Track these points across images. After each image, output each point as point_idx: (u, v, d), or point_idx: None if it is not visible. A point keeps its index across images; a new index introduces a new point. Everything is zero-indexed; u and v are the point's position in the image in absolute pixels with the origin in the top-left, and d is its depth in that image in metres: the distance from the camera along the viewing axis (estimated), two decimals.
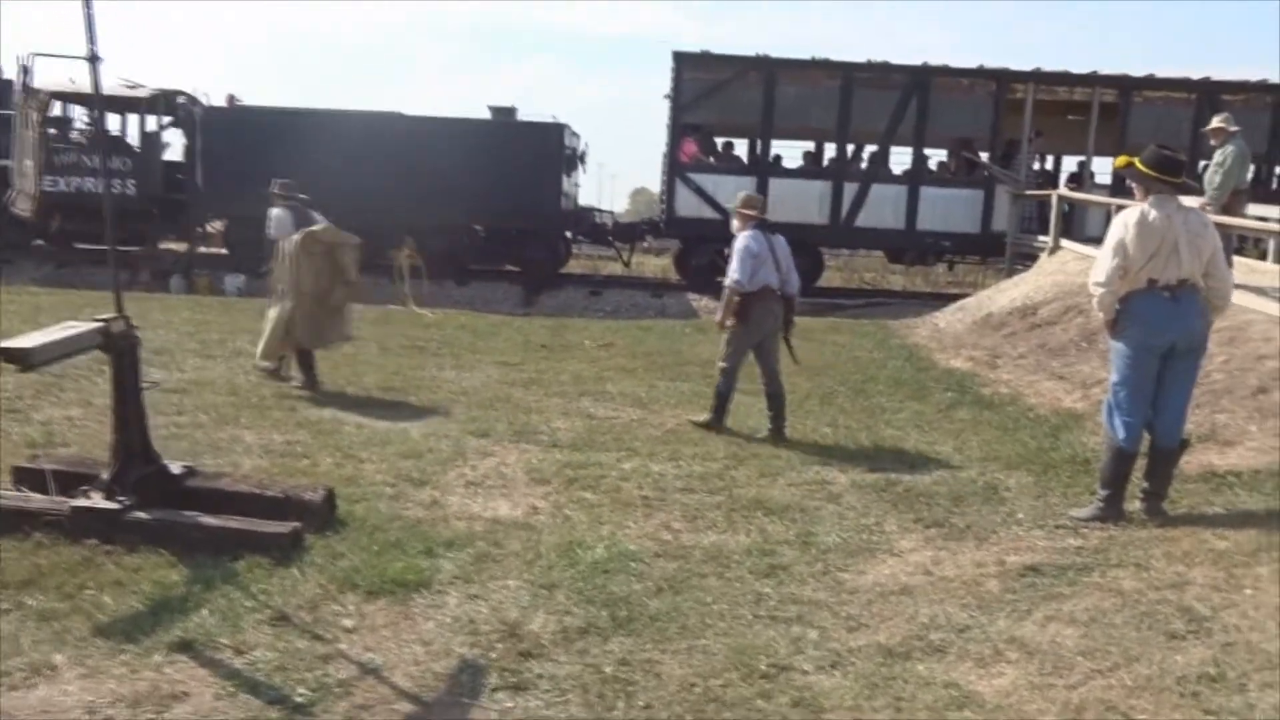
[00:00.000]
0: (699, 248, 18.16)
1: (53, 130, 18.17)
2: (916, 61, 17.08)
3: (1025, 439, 6.95)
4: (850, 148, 17.83)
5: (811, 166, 18.00)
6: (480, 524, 4.93)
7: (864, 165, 17.77)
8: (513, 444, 6.63)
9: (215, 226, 19.79)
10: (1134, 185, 5.23)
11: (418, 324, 12.99)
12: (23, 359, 3.94)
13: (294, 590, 3.94)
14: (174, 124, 19.03)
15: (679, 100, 17.09)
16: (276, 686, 3.18)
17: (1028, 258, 15.38)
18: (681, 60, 17.00)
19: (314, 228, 8.57)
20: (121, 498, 4.44)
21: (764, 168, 17.42)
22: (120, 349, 4.48)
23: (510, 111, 18.49)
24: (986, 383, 9.19)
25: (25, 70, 14.31)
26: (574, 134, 18.72)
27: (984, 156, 17.59)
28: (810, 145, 19.06)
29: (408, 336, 11.54)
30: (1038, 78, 17.23)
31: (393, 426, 6.94)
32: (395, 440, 6.53)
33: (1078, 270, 12.03)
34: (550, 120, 17.87)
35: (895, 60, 17.28)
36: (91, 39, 4.23)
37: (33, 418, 6.63)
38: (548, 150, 17.56)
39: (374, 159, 17.63)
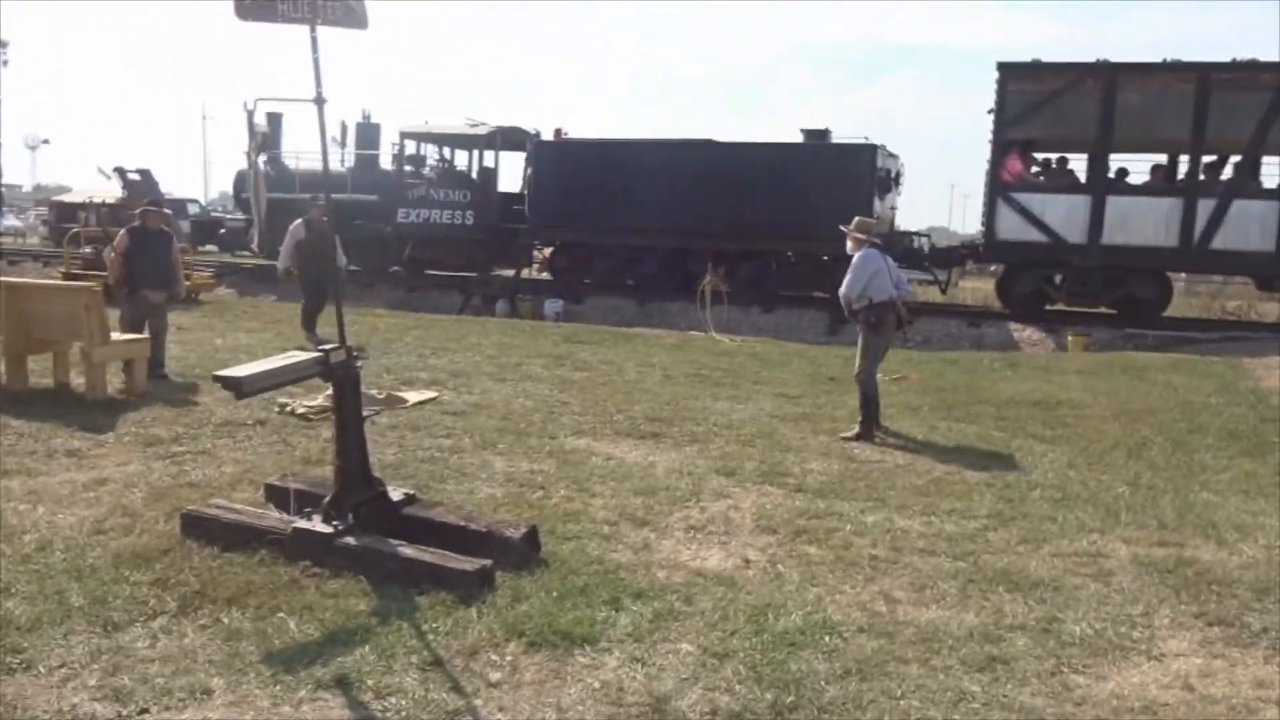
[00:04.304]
0: (1024, 273, 16.71)
1: (407, 167, 20.25)
2: None
3: None
4: (1208, 159, 15.62)
5: (1160, 182, 15.95)
6: (681, 575, 4.64)
7: (1225, 179, 15.49)
8: (755, 486, 6.28)
9: (545, 253, 21.05)
10: None
11: (713, 351, 12.94)
12: (235, 387, 4.20)
13: (462, 632, 3.86)
14: (529, 159, 20.25)
15: (1003, 115, 15.82)
16: None
17: None
18: (1006, 71, 15.75)
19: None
20: (336, 522, 4.62)
21: (1101, 184, 15.67)
22: (340, 378, 4.67)
23: (824, 134, 18.09)
24: None
25: (250, 114, 15.66)
26: (890, 155, 17.95)
27: None
28: (1159, 158, 16.89)
29: (696, 364, 11.50)
30: None
31: (640, 460, 6.83)
32: (636, 475, 6.40)
33: None
34: (862, 141, 17.27)
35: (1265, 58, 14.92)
36: (319, 82, 4.46)
37: (321, 434, 7.19)
38: (859, 172, 16.96)
39: (687, 186, 17.96)
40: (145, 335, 8.87)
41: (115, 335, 8.32)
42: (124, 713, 3.19)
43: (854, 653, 3.81)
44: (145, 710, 3.21)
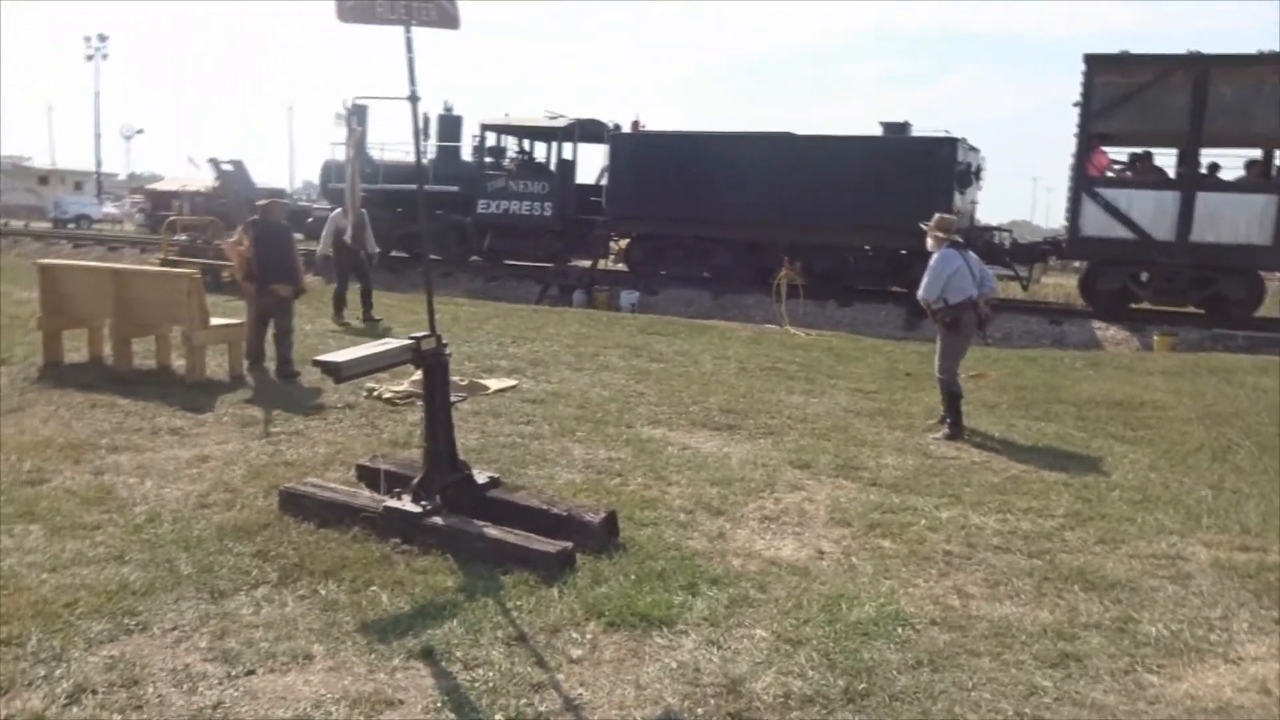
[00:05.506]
0: (1108, 270, 16.37)
1: (487, 159, 20.58)
2: None
3: None
4: None
5: (1254, 179, 15.48)
6: (755, 563, 4.74)
7: None
8: (830, 479, 6.35)
9: (621, 244, 21.22)
10: None
11: (788, 344, 12.97)
12: (335, 372, 4.42)
13: (544, 610, 4.02)
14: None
15: (1089, 108, 15.51)
16: (480, 709, 3.25)
17: None
18: (1094, 64, 15.42)
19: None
20: (425, 502, 4.82)
21: (1191, 180, 15.27)
22: (430, 365, 4.86)
23: (904, 127, 17.92)
24: None
25: (350, 113, 16.22)
26: (970, 148, 17.72)
27: None
28: (1253, 154, 16.37)
29: (771, 357, 11.56)
30: None
31: (716, 451, 6.94)
32: (711, 465, 6.51)
33: None
34: (943, 135, 17.07)
35: None
36: (412, 80, 4.65)
37: (407, 418, 7.44)
38: (939, 166, 16.78)
39: (765, 179, 17.96)
40: (241, 322, 9.18)
41: (215, 320, 8.68)
42: (233, 673, 3.41)
43: (926, 644, 3.88)
44: (252, 671, 3.43)
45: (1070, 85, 15.75)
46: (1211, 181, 15.44)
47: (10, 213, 41.71)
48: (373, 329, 12.52)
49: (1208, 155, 15.63)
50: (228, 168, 29.34)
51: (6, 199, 44.96)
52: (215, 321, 8.69)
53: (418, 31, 4.69)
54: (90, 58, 57.78)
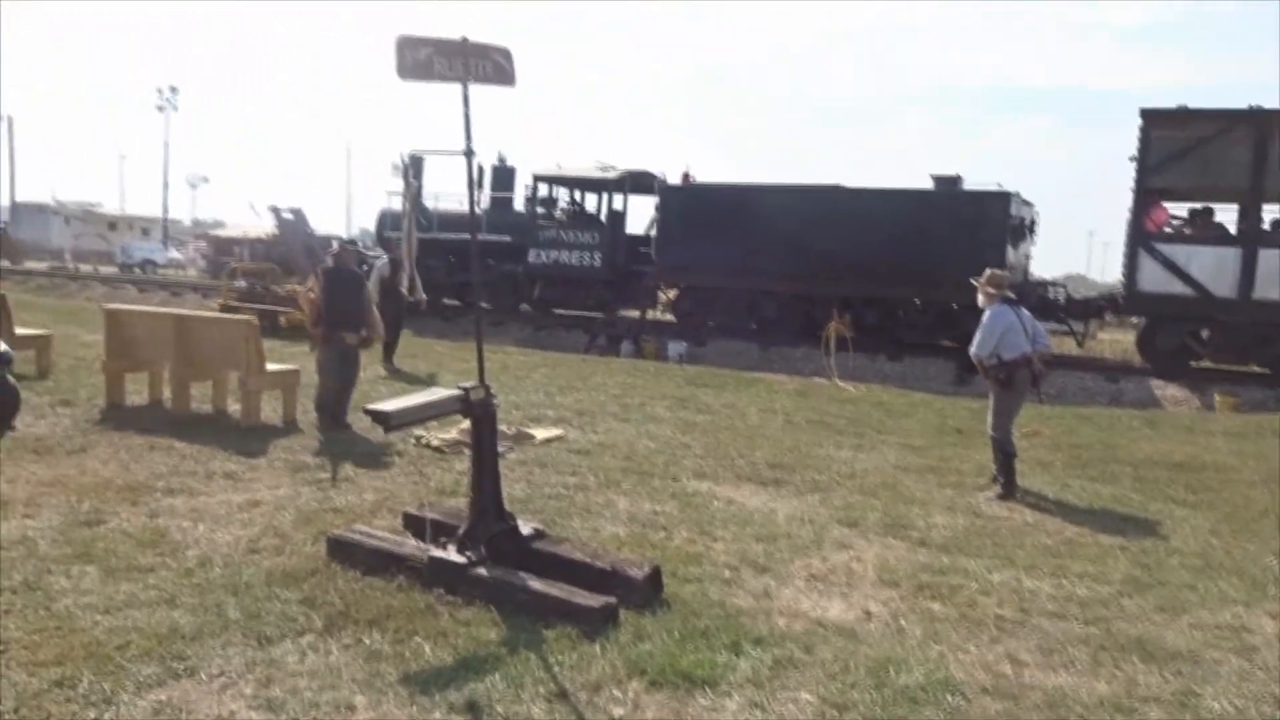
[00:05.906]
0: (1167, 327, 16.06)
1: (539, 209, 20.87)
2: None
3: None
4: None
5: None
6: (801, 623, 4.67)
7: None
8: (878, 537, 6.25)
9: (669, 295, 21.29)
10: None
11: (836, 398, 12.88)
12: (384, 421, 4.47)
13: (586, 667, 3.99)
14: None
15: (1145, 162, 15.36)
16: None
17: None
18: (1150, 118, 15.29)
19: None
20: (470, 553, 4.83)
21: (1254, 236, 15.00)
22: (478, 415, 4.90)
23: (955, 181, 17.86)
24: None
25: (406, 167, 16.79)
26: (1024, 203, 17.59)
27: None
28: None
29: (818, 411, 11.48)
30: None
31: (762, 506, 6.88)
32: (757, 521, 6.45)
33: None
34: (995, 189, 16.98)
35: None
36: (468, 136, 4.75)
37: (454, 466, 7.48)
38: (991, 220, 16.67)
39: (814, 230, 17.97)
40: (295, 368, 9.31)
41: (270, 366, 8.84)
42: None
43: (977, 713, 3.78)
44: None
45: (1127, 138, 15.67)
46: (1275, 238, 15.15)
47: (81, 257, 43.02)
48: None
49: (1271, 211, 15.38)
50: (287, 216, 30.02)
51: (77, 244, 46.39)
52: (271, 367, 8.85)
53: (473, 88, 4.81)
54: (161, 108, 59.87)
